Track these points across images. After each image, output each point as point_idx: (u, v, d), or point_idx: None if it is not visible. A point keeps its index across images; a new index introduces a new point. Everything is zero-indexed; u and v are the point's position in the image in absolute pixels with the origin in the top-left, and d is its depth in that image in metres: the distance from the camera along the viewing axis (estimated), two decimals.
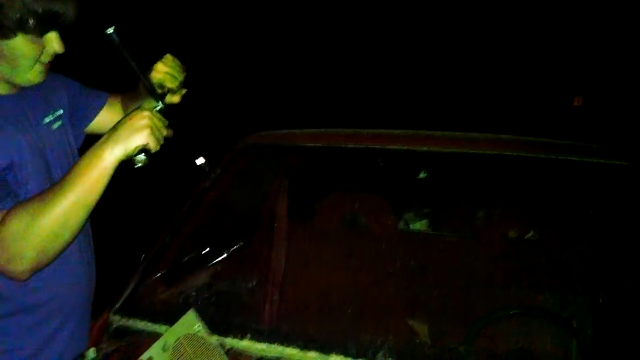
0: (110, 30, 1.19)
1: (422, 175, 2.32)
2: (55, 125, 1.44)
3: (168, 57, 1.42)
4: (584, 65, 6.98)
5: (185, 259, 1.67)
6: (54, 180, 1.34)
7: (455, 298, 1.76)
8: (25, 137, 1.33)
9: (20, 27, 1.21)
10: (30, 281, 1.28)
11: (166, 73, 1.38)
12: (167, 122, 1.26)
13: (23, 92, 1.37)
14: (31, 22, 1.21)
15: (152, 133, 1.20)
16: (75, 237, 1.24)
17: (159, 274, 1.66)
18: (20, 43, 1.24)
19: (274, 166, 2.11)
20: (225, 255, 1.67)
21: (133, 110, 1.25)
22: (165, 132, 1.25)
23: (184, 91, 1.44)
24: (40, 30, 1.24)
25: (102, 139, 1.22)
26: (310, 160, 2.27)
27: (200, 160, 1.30)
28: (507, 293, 1.87)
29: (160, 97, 1.34)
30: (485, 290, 1.84)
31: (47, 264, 1.23)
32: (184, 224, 1.73)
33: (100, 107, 1.62)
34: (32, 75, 1.31)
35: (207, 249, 1.67)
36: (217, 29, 8.77)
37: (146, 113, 1.22)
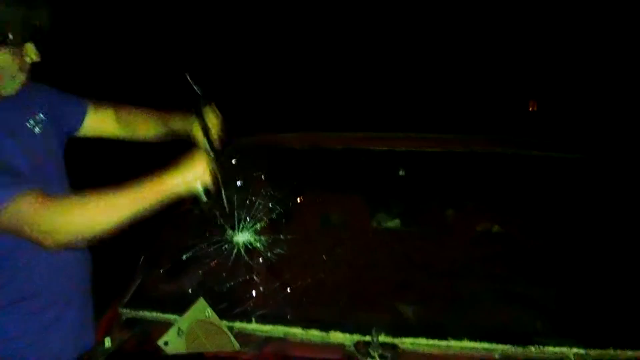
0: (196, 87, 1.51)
1: (400, 173, 2.51)
2: (37, 129, 1.54)
3: (215, 109, 1.61)
4: (534, 69, 7.30)
5: (189, 252, 1.80)
6: (47, 181, 1.46)
7: (436, 283, 1.95)
8: (14, 141, 1.45)
9: (2, 41, 1.33)
10: (30, 267, 1.45)
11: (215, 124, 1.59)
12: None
13: (4, 101, 1.46)
14: (10, 35, 1.33)
15: (211, 176, 1.40)
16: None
17: (164, 267, 1.79)
18: (2, 56, 1.36)
19: (265, 165, 2.27)
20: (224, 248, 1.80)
21: (192, 152, 1.43)
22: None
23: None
24: (19, 43, 1.36)
25: (171, 172, 1.38)
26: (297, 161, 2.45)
27: None
28: (480, 280, 2.06)
29: (211, 142, 1.54)
30: (462, 276, 2.02)
31: (76, 244, 1.40)
32: (184, 219, 1.88)
33: (84, 113, 1.72)
34: (16, 84, 1.43)
35: (208, 242, 1.81)
36: (216, 30, 8.75)
37: (206, 158, 1.41)
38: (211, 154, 1.48)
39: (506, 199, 2.56)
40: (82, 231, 1.35)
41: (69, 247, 1.43)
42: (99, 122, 1.75)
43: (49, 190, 1.37)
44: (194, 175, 1.38)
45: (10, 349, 1.50)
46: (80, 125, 1.72)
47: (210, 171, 1.40)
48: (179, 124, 1.67)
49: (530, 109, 7.44)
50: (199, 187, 1.39)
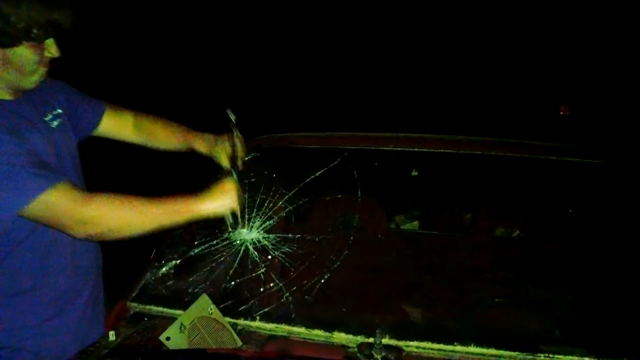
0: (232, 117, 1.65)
1: (413, 173, 2.47)
2: (55, 123, 1.58)
3: (240, 135, 1.72)
4: (568, 73, 7.16)
5: (196, 250, 1.80)
6: (66, 174, 1.51)
7: (446, 287, 1.90)
8: (36, 134, 1.48)
9: (26, 35, 1.38)
10: (44, 259, 1.51)
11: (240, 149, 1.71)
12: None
13: (24, 95, 1.52)
14: (35, 30, 1.38)
15: (238, 200, 1.50)
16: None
17: (172, 263, 1.79)
18: (25, 50, 1.41)
19: (279, 165, 2.26)
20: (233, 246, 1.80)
21: (221, 177, 1.56)
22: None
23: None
24: (41, 38, 1.41)
25: (205, 196, 1.49)
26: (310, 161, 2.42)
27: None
28: (495, 283, 2.01)
29: (235, 167, 1.65)
30: (473, 281, 1.98)
31: (103, 239, 1.49)
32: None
33: (102, 112, 1.77)
34: (36, 77, 1.48)
35: (217, 240, 1.80)
36: (217, 29, 8.88)
37: (234, 184, 1.51)
38: (237, 180, 1.56)
39: (528, 204, 2.50)
40: (115, 228, 1.42)
41: (96, 240, 1.56)
42: (116, 125, 1.80)
43: None
44: (225, 203, 1.49)
45: (15, 338, 1.52)
46: (97, 125, 1.77)
47: (239, 198, 1.50)
48: (202, 145, 1.78)
49: (562, 112, 7.29)
50: (228, 213, 1.51)
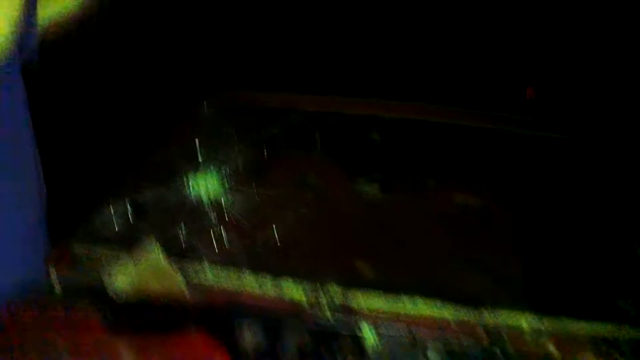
0: None
1: (374, 137, 2.47)
2: None
3: None
4: (533, 57, 7.21)
5: (149, 195, 1.76)
6: None
7: (399, 248, 1.91)
8: None
9: None
10: None
11: None
12: None
13: None
14: None
15: None
16: None
17: (121, 207, 1.75)
18: None
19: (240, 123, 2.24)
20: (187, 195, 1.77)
21: None
22: None
23: None
24: None
25: None
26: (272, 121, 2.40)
27: None
28: (446, 248, 2.03)
29: None
30: (428, 244, 1.99)
31: None
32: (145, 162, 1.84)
33: None
34: None
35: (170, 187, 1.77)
36: None
37: None
38: None
39: (490, 174, 2.52)
40: None
41: None
42: None
43: None
44: None
45: None
46: None
47: None
48: None
49: (528, 96, 7.37)
50: None
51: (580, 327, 1.44)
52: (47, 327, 1.45)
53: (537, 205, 2.24)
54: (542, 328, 1.43)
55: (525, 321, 1.44)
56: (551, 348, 1.38)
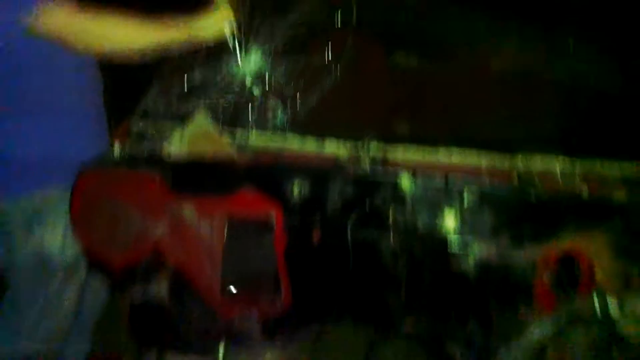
0: None
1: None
2: None
3: None
4: None
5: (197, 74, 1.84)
6: None
7: (436, 108, 1.96)
8: None
9: None
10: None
11: None
12: None
13: None
14: None
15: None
16: None
17: (172, 86, 1.85)
18: None
19: None
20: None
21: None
22: None
23: None
24: None
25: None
26: None
27: None
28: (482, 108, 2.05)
29: None
30: (464, 105, 2.03)
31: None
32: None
33: None
34: None
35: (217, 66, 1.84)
36: None
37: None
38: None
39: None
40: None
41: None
42: None
43: None
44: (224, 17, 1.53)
45: (28, 153, 1.62)
46: None
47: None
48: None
49: None
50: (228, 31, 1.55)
51: (611, 167, 1.49)
52: (116, 191, 1.61)
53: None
54: (574, 170, 1.49)
55: (557, 164, 1.50)
56: (582, 187, 1.45)
